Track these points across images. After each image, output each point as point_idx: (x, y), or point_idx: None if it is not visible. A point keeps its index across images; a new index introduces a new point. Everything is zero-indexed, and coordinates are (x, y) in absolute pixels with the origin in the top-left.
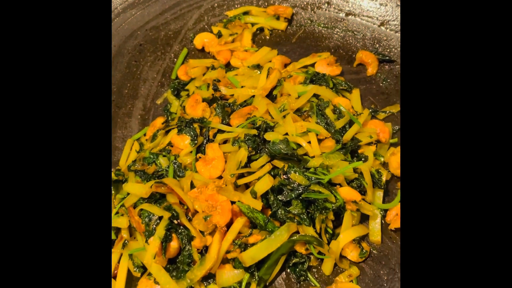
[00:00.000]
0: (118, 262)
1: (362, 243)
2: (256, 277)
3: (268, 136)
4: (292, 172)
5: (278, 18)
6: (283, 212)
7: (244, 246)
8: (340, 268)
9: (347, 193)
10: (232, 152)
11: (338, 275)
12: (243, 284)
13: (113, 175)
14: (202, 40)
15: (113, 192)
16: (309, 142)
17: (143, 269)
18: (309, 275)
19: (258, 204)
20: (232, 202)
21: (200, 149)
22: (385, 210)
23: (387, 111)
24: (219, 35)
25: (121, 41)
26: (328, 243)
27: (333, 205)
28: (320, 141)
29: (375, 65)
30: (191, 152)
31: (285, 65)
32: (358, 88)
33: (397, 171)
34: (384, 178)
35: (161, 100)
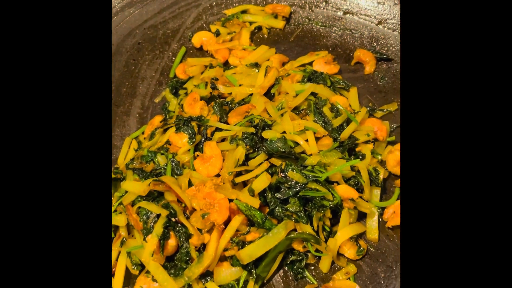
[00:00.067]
0: (116, 260)
1: (359, 241)
2: (254, 275)
3: (266, 134)
4: (290, 170)
5: (276, 16)
6: (280, 210)
7: (242, 244)
8: (338, 266)
9: (344, 191)
10: (230, 150)
11: (336, 273)
12: (241, 281)
13: None
14: (200, 38)
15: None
16: (307, 140)
17: (141, 266)
18: (306, 272)
19: (255, 202)
20: (230, 200)
21: (198, 147)
22: (383, 208)
23: (385, 110)
24: (217, 33)
25: (119, 40)
26: (326, 241)
27: (330, 203)
28: (317, 139)
29: (372, 63)
30: (189, 150)
31: (283, 64)
32: (356, 86)
33: (394, 169)
34: (381, 176)
35: (159, 98)
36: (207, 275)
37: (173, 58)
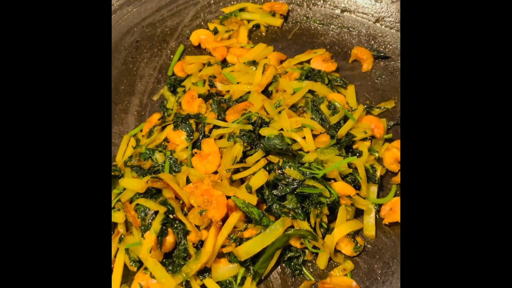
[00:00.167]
0: (115, 256)
1: (356, 238)
2: (251, 271)
3: (263, 131)
4: (287, 167)
5: (274, 14)
6: (278, 207)
7: (239, 241)
8: (335, 262)
9: (341, 187)
10: (228, 148)
11: (333, 269)
12: (238, 278)
13: None
14: (198, 36)
15: None
16: (304, 138)
17: (139, 263)
18: (304, 269)
19: (253, 199)
20: (228, 197)
21: (196, 145)
22: (379, 205)
23: (382, 107)
24: (215, 31)
25: (117, 38)
26: (323, 238)
27: (327, 199)
28: (315, 136)
29: (370, 61)
30: (187, 147)
31: (281, 62)
32: (353, 84)
33: (391, 167)
34: (378, 173)
35: (158, 96)
36: (205, 271)
37: (171, 56)
